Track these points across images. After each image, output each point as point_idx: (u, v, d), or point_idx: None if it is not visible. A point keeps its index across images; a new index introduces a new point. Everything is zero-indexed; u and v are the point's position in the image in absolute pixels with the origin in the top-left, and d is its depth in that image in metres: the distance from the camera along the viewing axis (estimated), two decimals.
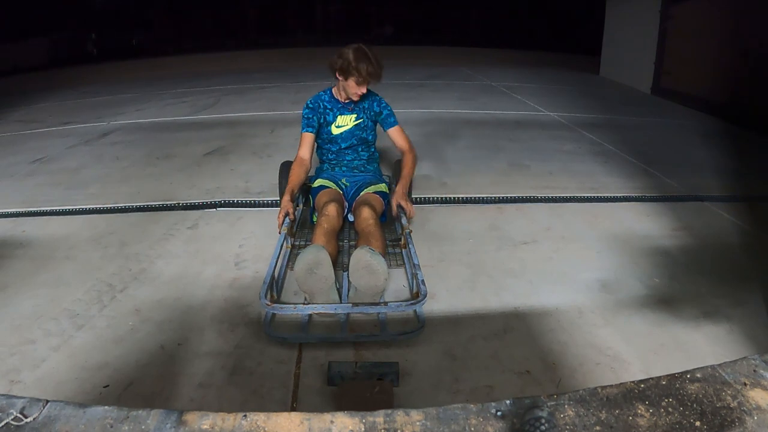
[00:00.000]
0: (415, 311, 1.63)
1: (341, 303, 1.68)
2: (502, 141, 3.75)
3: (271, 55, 10.51)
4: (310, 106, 2.24)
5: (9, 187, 2.93)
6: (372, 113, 2.27)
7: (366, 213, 1.99)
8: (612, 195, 2.75)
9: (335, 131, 2.26)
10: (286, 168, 2.53)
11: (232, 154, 3.44)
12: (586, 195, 2.74)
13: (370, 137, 2.32)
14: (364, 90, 2.15)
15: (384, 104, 2.27)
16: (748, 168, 3.38)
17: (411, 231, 2.03)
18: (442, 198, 2.66)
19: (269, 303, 1.57)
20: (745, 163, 3.48)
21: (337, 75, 2.13)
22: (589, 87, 6.52)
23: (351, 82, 2.11)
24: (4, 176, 3.13)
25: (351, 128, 2.27)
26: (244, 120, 4.48)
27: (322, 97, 2.26)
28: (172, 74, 7.89)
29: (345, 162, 2.32)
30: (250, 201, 2.63)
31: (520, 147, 3.60)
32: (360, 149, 2.31)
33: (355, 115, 2.26)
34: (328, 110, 2.24)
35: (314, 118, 2.23)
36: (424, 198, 2.65)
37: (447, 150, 3.52)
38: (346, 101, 2.23)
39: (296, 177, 2.17)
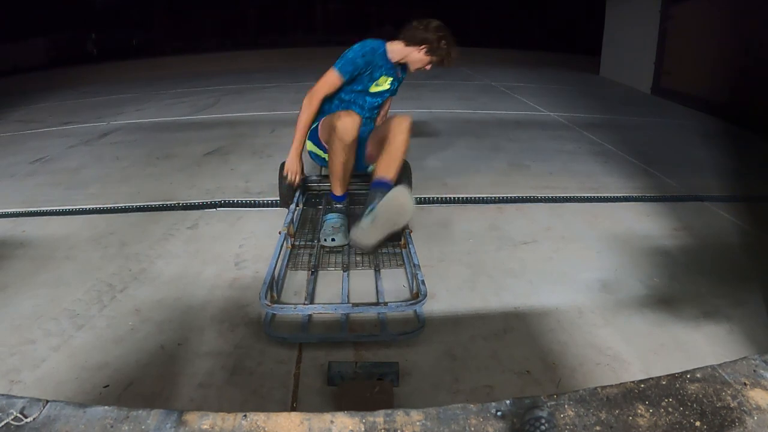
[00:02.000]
0: (415, 311, 1.63)
1: (341, 303, 1.68)
2: (502, 141, 3.75)
3: (271, 55, 10.51)
4: (367, 57, 2.09)
5: (9, 187, 2.93)
6: (400, 80, 2.27)
7: (406, 122, 1.96)
8: (612, 195, 2.75)
9: (372, 89, 2.19)
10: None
11: (232, 154, 3.44)
12: (586, 195, 2.74)
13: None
14: (428, 68, 2.16)
15: (404, 74, 2.27)
16: (748, 168, 3.38)
17: (411, 231, 2.03)
18: (442, 198, 2.66)
19: (269, 303, 1.57)
20: (745, 163, 3.48)
21: (418, 46, 2.09)
22: (589, 87, 6.52)
23: (427, 60, 2.11)
24: (4, 176, 3.13)
25: (383, 91, 2.22)
26: (244, 120, 4.48)
27: (378, 51, 2.14)
28: (172, 74, 7.88)
29: None
30: (250, 201, 2.63)
31: (520, 147, 3.60)
32: (375, 114, 2.31)
33: (392, 79, 2.22)
34: (378, 66, 2.15)
35: (356, 71, 2.08)
36: (424, 198, 2.65)
37: (447, 150, 3.52)
38: (396, 64, 2.18)
39: (308, 124, 2.10)
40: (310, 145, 2.30)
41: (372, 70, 2.14)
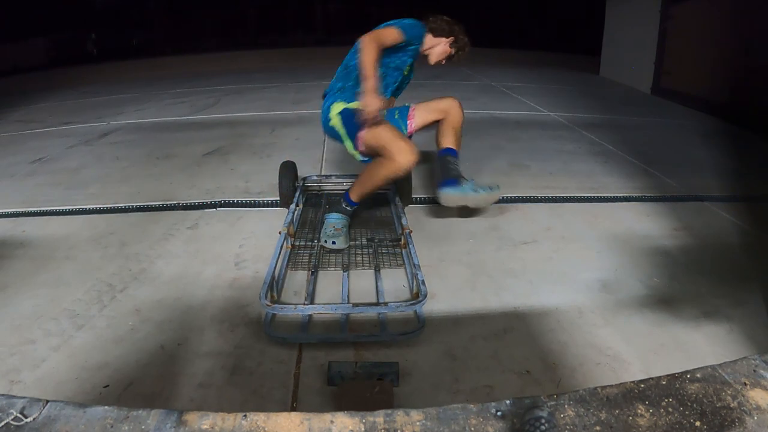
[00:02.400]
0: (415, 311, 1.63)
1: (341, 303, 1.68)
2: (502, 141, 3.75)
3: (271, 55, 10.51)
4: (422, 29, 2.12)
5: (9, 187, 2.93)
6: (410, 74, 2.31)
7: (459, 102, 2.23)
8: (612, 195, 2.75)
9: (405, 70, 2.22)
10: (285, 168, 2.54)
11: (232, 154, 3.44)
12: (586, 195, 2.74)
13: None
14: (443, 63, 2.25)
15: (413, 74, 2.32)
16: (748, 168, 3.38)
17: (411, 231, 2.03)
18: None
19: (269, 303, 1.57)
20: (745, 163, 3.48)
21: (446, 38, 2.19)
22: (589, 87, 6.52)
23: (449, 52, 2.21)
24: (4, 176, 3.13)
25: (404, 75, 2.25)
26: (244, 120, 4.48)
27: (421, 32, 2.14)
28: (172, 74, 7.88)
29: None
30: (250, 201, 2.63)
31: (520, 147, 3.60)
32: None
33: (410, 68, 2.25)
34: (418, 46, 2.15)
35: (412, 39, 2.05)
36: (425, 198, 2.65)
37: None
38: (419, 55, 2.24)
39: (376, 64, 1.90)
40: (336, 121, 2.11)
41: (416, 45, 2.13)
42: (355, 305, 1.59)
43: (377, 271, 1.91)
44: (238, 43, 12.49)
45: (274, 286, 1.74)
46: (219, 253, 2.10)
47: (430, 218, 2.44)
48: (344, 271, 1.90)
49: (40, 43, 10.29)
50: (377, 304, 1.66)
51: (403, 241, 2.02)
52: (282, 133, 3.91)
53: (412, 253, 1.86)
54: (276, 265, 1.78)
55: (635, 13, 6.47)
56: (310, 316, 1.65)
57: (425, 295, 1.60)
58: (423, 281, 1.67)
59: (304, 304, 1.68)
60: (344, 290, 1.79)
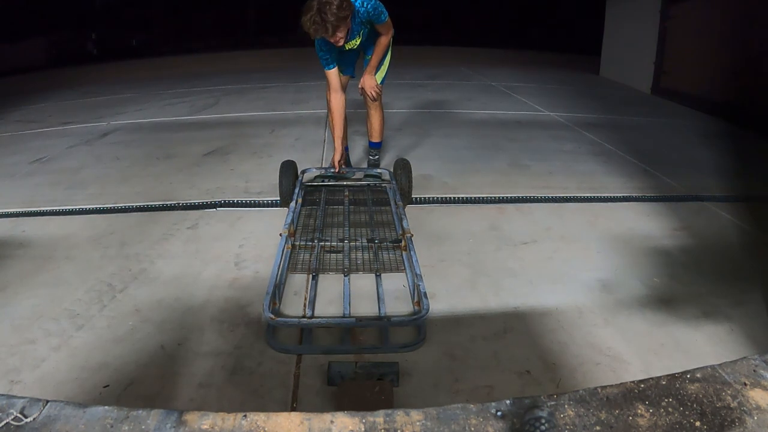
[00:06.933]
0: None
1: (344, 317, 1.67)
2: (502, 141, 3.75)
3: (271, 55, 10.50)
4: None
5: (9, 187, 2.93)
6: (365, 25, 2.40)
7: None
8: (612, 195, 2.75)
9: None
10: (286, 168, 2.54)
11: (232, 154, 3.44)
12: (586, 195, 2.74)
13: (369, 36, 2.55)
14: (336, 40, 2.24)
15: (368, 7, 2.32)
16: (748, 168, 3.38)
17: (413, 236, 2.01)
18: (442, 198, 2.66)
19: (273, 317, 1.53)
20: (745, 163, 3.48)
21: None
22: (589, 87, 6.52)
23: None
24: (4, 176, 3.13)
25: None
26: (244, 120, 4.48)
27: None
28: (172, 74, 7.88)
29: None
30: (250, 201, 2.63)
31: (520, 147, 3.60)
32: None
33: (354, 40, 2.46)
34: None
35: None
36: (424, 198, 2.65)
37: (447, 149, 3.52)
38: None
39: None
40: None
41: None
42: (359, 320, 1.58)
43: (378, 275, 1.90)
44: (238, 43, 12.47)
45: (276, 293, 1.72)
46: (219, 253, 2.10)
47: (430, 218, 2.44)
48: (345, 276, 1.89)
49: (40, 43, 10.27)
50: (380, 318, 1.64)
51: (403, 244, 2.01)
52: (282, 133, 3.91)
53: (414, 260, 1.83)
54: (277, 272, 1.76)
55: (635, 13, 6.47)
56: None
57: (427, 309, 1.58)
58: (425, 294, 1.63)
59: (308, 317, 1.66)
60: (346, 297, 1.77)
